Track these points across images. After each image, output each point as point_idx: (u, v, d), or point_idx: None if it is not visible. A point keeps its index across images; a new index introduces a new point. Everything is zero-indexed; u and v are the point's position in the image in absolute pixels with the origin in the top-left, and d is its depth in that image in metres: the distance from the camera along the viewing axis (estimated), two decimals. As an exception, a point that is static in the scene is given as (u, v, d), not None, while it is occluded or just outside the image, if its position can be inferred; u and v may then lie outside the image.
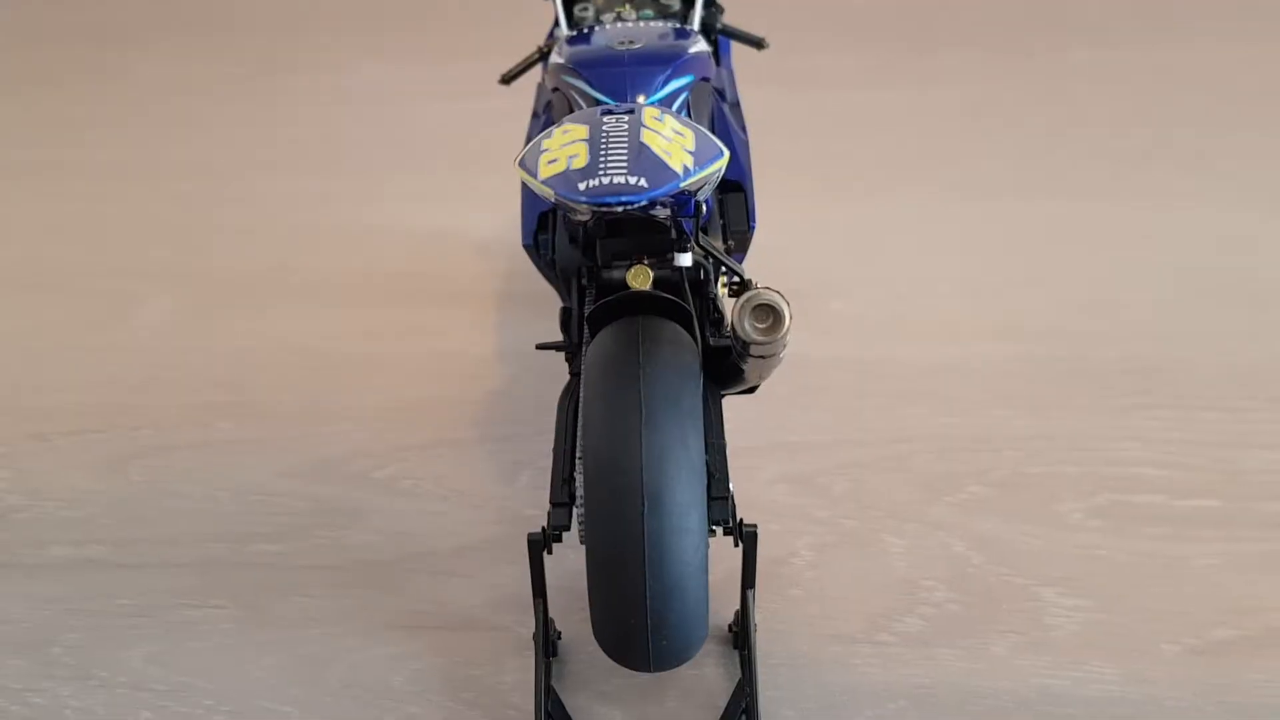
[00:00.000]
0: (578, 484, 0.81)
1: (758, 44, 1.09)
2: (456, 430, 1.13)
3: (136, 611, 0.95)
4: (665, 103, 0.89)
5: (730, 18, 1.09)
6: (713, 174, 0.74)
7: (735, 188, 0.98)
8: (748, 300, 0.72)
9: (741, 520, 0.81)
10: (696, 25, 1.04)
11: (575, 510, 0.81)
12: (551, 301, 1.05)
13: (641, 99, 0.88)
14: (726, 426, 0.82)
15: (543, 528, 0.81)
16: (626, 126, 0.72)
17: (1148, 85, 1.75)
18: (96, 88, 1.94)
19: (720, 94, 1.07)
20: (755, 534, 0.81)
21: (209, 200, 1.59)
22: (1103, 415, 1.11)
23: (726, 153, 0.75)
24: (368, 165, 1.66)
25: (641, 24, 0.98)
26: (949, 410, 1.13)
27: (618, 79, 0.89)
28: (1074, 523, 0.99)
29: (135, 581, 0.98)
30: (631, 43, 0.91)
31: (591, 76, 0.90)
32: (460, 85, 1.88)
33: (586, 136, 0.72)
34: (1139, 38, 1.89)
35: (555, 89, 0.98)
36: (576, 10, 1.06)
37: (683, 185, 0.69)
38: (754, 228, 0.98)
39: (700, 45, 0.96)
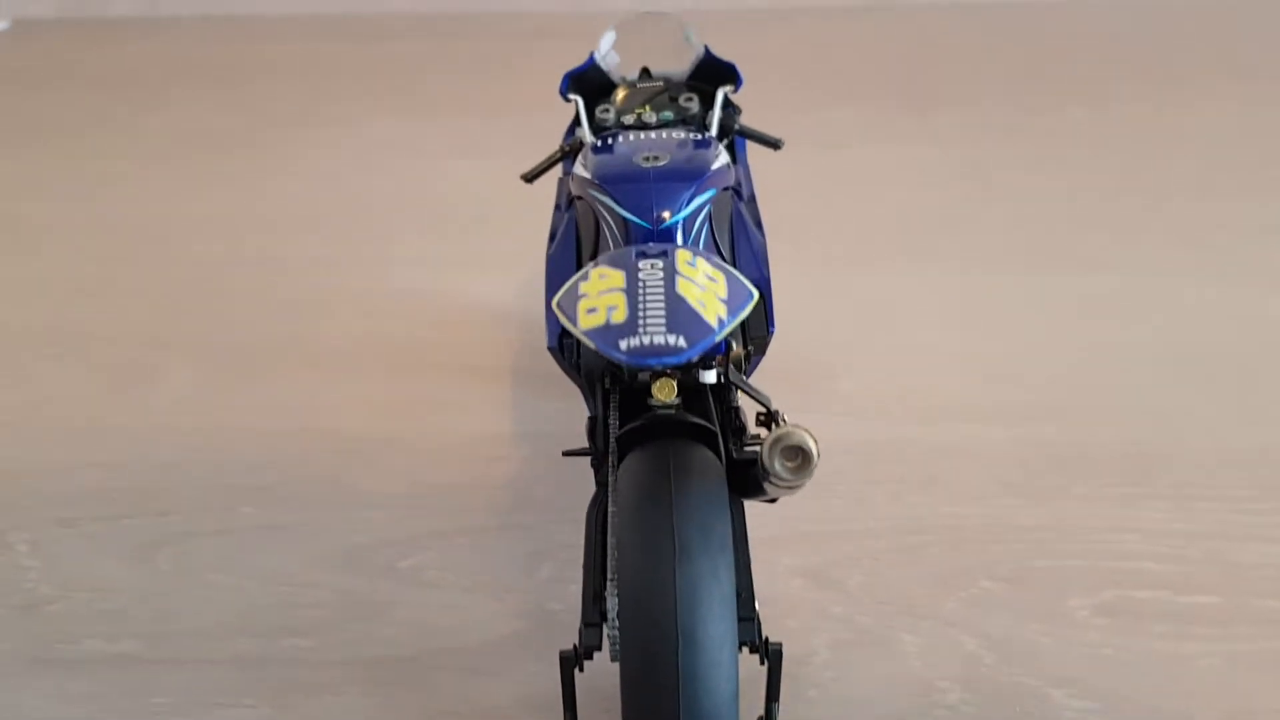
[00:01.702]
0: (608, 603, 0.84)
1: (774, 145, 1.12)
2: (477, 517, 1.16)
3: (171, 710, 0.97)
4: (690, 218, 0.92)
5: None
6: (744, 317, 0.77)
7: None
8: (777, 440, 0.75)
9: (767, 639, 0.84)
10: (715, 128, 1.07)
11: (606, 629, 0.84)
12: (565, 379, 1.07)
13: (667, 215, 0.91)
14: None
15: (574, 645, 0.84)
16: (661, 276, 0.75)
17: (1145, 147, 1.79)
18: (109, 140, 1.97)
19: (737, 192, 1.10)
20: (780, 651, 0.84)
21: (223, 261, 1.62)
22: (1103, 505, 1.15)
23: (756, 294, 0.78)
24: (379, 225, 1.70)
25: (663, 134, 1.01)
26: (956, 498, 1.16)
27: (643, 195, 0.92)
28: (1081, 620, 1.03)
29: (169, 679, 1.00)
30: (656, 158, 0.94)
31: (617, 193, 0.93)
32: (470, 140, 1.92)
33: (623, 286, 0.75)
34: (1136, 96, 1.93)
35: (579, 197, 1.01)
36: (598, 112, 1.09)
37: (718, 339, 0.72)
38: (773, 332, 1.01)
39: (722, 158, 0.99)
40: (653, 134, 1.01)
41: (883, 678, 0.98)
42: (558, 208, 1.13)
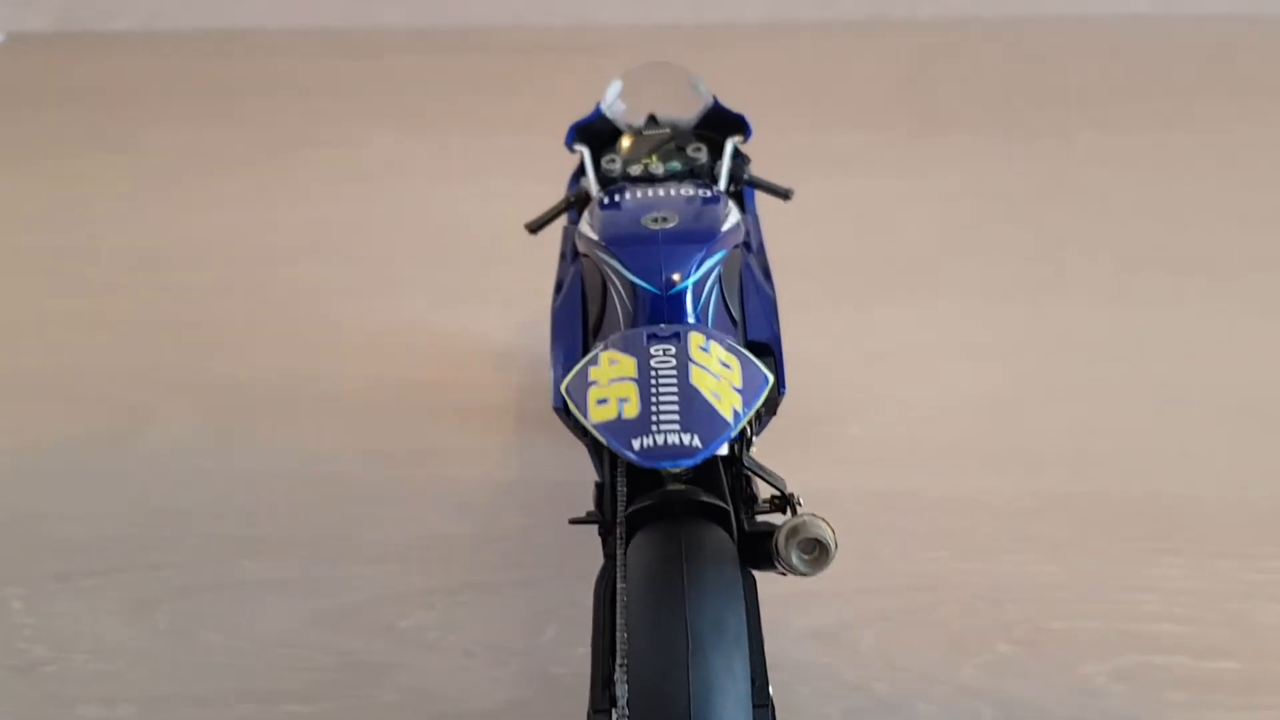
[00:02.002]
0: (617, 689, 0.81)
1: (784, 195, 1.10)
2: (479, 573, 1.14)
3: (170, 784, 0.95)
4: (700, 282, 0.90)
5: (729, 98, 1.10)
6: (760, 405, 0.75)
7: (764, 349, 0.99)
8: (794, 531, 0.72)
9: None
10: (724, 180, 1.05)
11: (616, 715, 0.81)
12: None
13: (677, 278, 0.89)
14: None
15: None
16: (674, 364, 0.73)
17: (1157, 170, 1.76)
18: (101, 160, 1.94)
19: (746, 244, 1.08)
20: None
21: (217, 292, 1.59)
22: (1119, 562, 1.13)
23: (771, 378, 0.75)
24: (378, 251, 1.67)
25: (671, 190, 0.98)
26: (968, 554, 1.14)
27: (652, 259, 0.89)
28: (1098, 687, 1.01)
29: (168, 747, 0.98)
30: (665, 220, 0.92)
31: (625, 257, 0.90)
32: (471, 160, 1.89)
33: (635, 375, 0.72)
34: (1146, 120, 1.90)
35: (585, 255, 0.98)
36: (604, 163, 1.06)
37: (734, 433, 0.70)
38: (784, 393, 0.99)
39: (732, 216, 0.96)
40: (660, 190, 0.98)
41: (898, 750, 0.96)
42: (563, 257, 1.10)
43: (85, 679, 1.05)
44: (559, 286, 1.07)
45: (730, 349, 0.76)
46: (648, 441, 0.68)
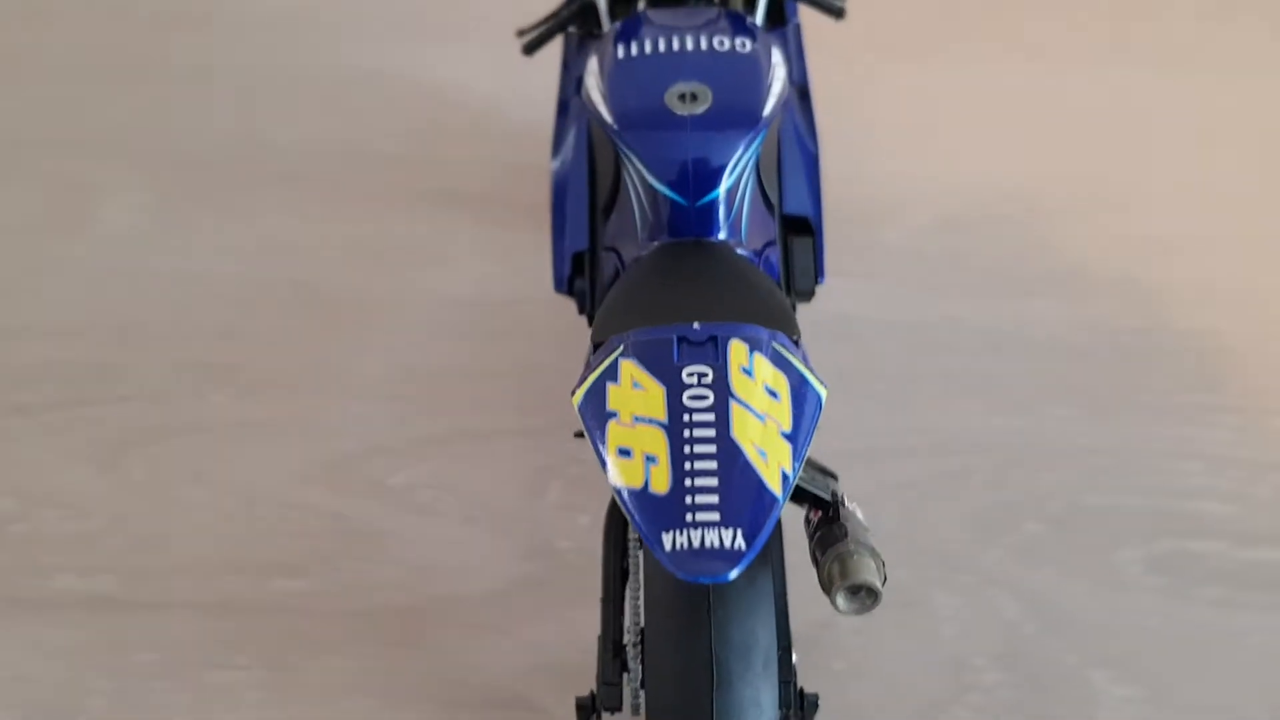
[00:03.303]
0: (629, 653, 0.75)
1: (837, 12, 0.90)
2: (475, 417, 1.05)
3: (160, 671, 0.91)
4: (735, 183, 0.75)
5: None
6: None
7: (803, 226, 0.85)
8: (842, 572, 0.63)
9: (802, 691, 0.76)
10: (763, 5, 0.86)
11: (628, 681, 0.75)
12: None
13: (708, 184, 0.74)
14: None
15: (591, 692, 0.76)
16: (711, 404, 0.60)
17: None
18: None
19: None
20: (816, 703, 0.76)
21: (163, 25, 1.39)
22: (1169, 420, 1.04)
23: (824, 393, 0.63)
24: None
25: (700, 38, 0.78)
26: (1007, 405, 1.05)
27: (678, 154, 0.74)
28: (1131, 579, 0.95)
29: (153, 628, 0.93)
30: (694, 96, 0.74)
31: (644, 151, 0.74)
32: None
33: (664, 419, 0.59)
34: None
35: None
36: None
37: (781, 507, 0.59)
38: (823, 281, 0.86)
39: (779, 76, 0.78)
40: (687, 35, 0.79)
41: (915, 652, 0.92)
42: (565, 66, 0.92)
43: (59, 542, 0.98)
44: (557, 140, 0.90)
45: (778, 362, 0.62)
46: (682, 540, 0.56)
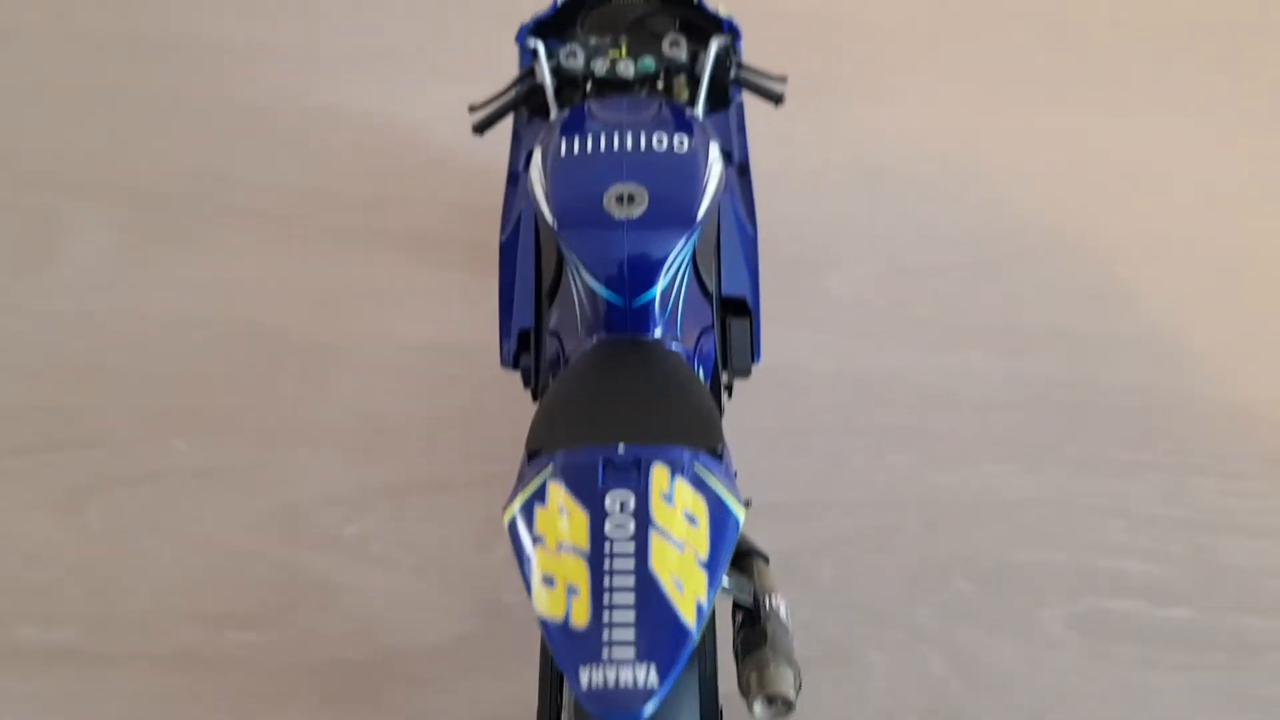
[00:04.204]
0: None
1: (776, 99, 0.93)
2: (427, 465, 1.08)
3: (119, 724, 0.95)
4: (671, 281, 0.77)
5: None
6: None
7: (740, 307, 0.88)
8: (759, 684, 0.67)
9: None
10: (704, 87, 0.88)
11: None
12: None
13: (644, 285, 0.76)
14: None
15: None
16: (631, 535, 0.63)
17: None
18: None
19: (727, 155, 0.93)
20: None
21: (130, 55, 1.40)
22: (1097, 474, 1.08)
23: (741, 517, 0.66)
24: (307, 4, 1.45)
25: (641, 135, 0.80)
26: (938, 461, 1.09)
27: (614, 257, 0.76)
28: (1054, 637, 1.00)
29: (113, 682, 0.96)
30: (632, 200, 0.77)
31: (584, 252, 0.76)
32: None
33: (587, 549, 0.62)
34: None
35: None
36: (563, 58, 0.88)
37: (695, 641, 0.62)
38: (759, 361, 0.89)
39: (715, 170, 0.81)
40: (628, 133, 0.81)
41: (847, 707, 0.96)
42: (512, 179, 0.95)
43: (19, 592, 1.01)
44: (506, 213, 0.92)
45: (698, 486, 0.65)
46: (598, 679, 0.59)
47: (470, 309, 1.19)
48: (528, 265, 0.87)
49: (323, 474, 1.08)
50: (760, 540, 1.03)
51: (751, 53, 1.34)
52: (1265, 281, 1.22)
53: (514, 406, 1.10)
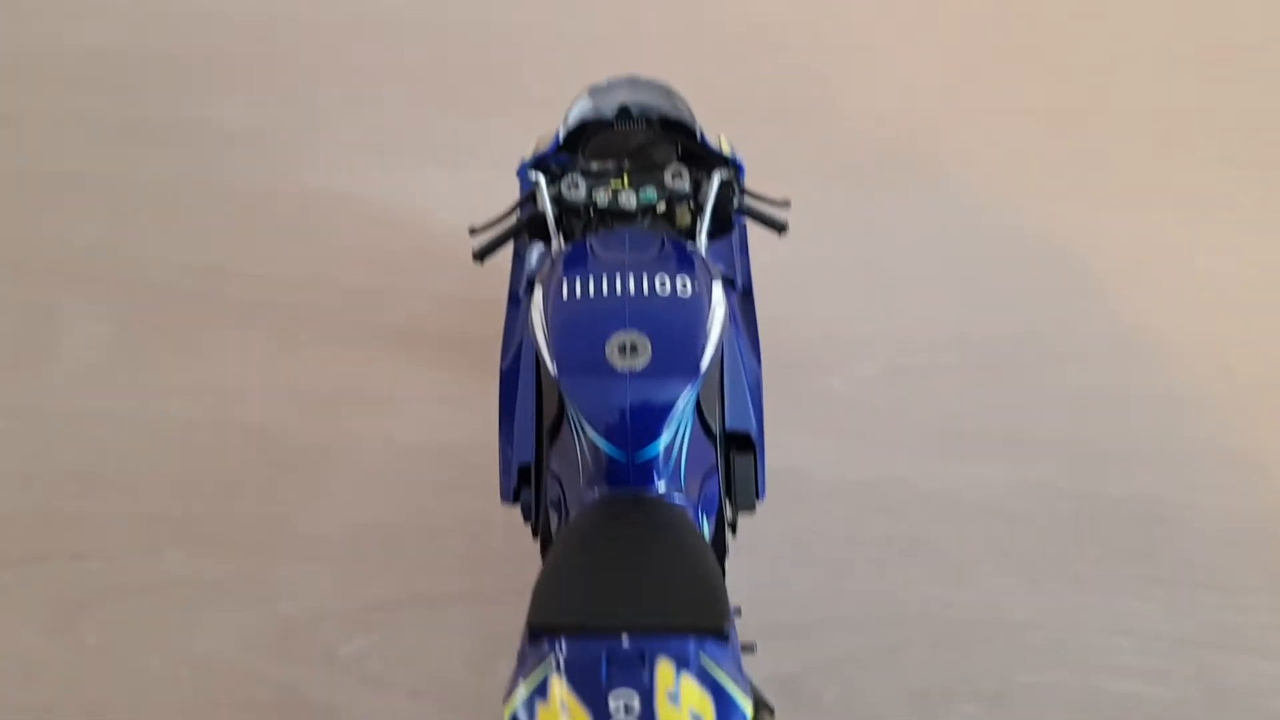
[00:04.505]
0: None
1: (779, 228, 0.92)
2: (425, 578, 1.07)
3: None
4: (675, 437, 0.77)
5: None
6: None
7: (744, 441, 0.87)
8: None
9: None
10: (706, 219, 0.87)
11: None
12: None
13: (647, 440, 0.76)
14: None
15: None
16: None
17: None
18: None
19: (729, 282, 0.92)
20: None
21: (128, 140, 1.39)
22: (1102, 590, 1.07)
23: (749, 707, 0.65)
24: (305, 91, 1.44)
25: (644, 277, 0.79)
26: (944, 575, 1.08)
27: (617, 409, 0.75)
28: (1057, 764, 0.99)
29: (106, 808, 0.95)
30: (634, 351, 0.76)
31: (585, 404, 0.75)
32: None
33: None
34: None
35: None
36: (565, 189, 0.88)
37: None
38: (764, 499, 0.88)
39: (719, 311, 0.80)
40: (630, 275, 0.79)
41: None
42: (513, 300, 0.94)
43: (10, 712, 1.00)
44: (508, 338, 0.91)
45: (704, 679, 0.64)
46: None
47: (466, 408, 1.18)
48: (528, 398, 0.86)
49: (320, 587, 1.06)
50: (763, 663, 1.03)
51: (748, 144, 1.34)
52: (1273, 387, 1.21)
53: (513, 514, 1.09)
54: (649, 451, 0.75)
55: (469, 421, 1.17)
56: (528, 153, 0.93)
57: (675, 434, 0.76)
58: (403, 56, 1.46)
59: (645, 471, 0.76)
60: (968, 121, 1.42)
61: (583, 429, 0.76)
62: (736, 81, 1.44)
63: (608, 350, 0.76)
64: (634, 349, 0.76)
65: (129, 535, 1.09)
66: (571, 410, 0.76)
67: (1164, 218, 1.35)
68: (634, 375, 0.75)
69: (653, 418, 0.75)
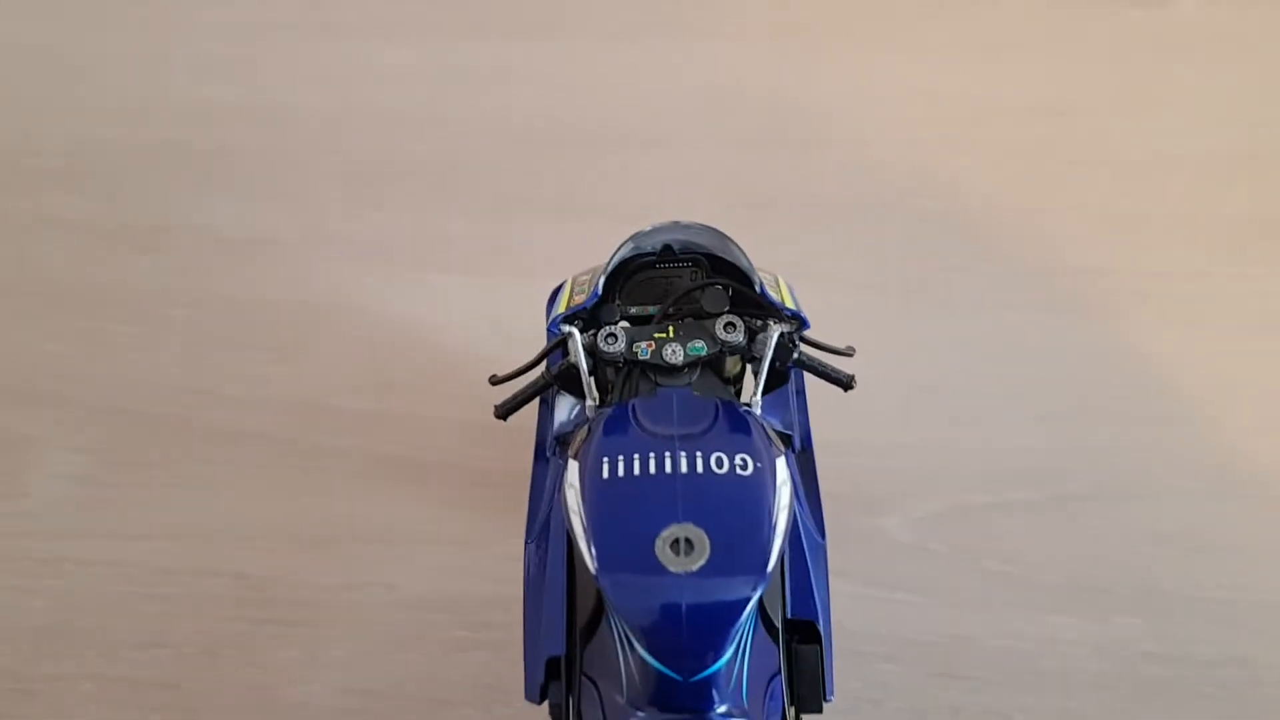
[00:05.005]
0: None
1: (844, 385, 0.80)
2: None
3: None
4: (737, 652, 0.65)
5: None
6: None
7: (808, 630, 0.75)
8: None
9: None
10: (763, 376, 0.76)
11: None
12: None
13: (707, 659, 0.64)
14: None
15: None
16: None
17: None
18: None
19: (786, 439, 0.81)
20: None
21: (114, 241, 1.28)
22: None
23: None
24: (309, 191, 1.33)
25: (694, 453, 0.68)
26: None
27: (669, 623, 0.63)
28: None
29: None
30: (689, 547, 0.64)
31: (630, 612, 0.63)
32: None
33: None
34: None
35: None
36: (602, 342, 0.76)
37: None
38: (831, 699, 0.75)
39: (786, 490, 0.68)
40: (680, 453, 0.68)
41: None
42: (539, 453, 0.82)
43: None
44: (533, 508, 0.79)
45: None
46: None
47: (480, 553, 1.05)
48: (558, 583, 0.74)
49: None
50: None
51: (788, 247, 1.23)
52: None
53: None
54: (709, 670, 0.63)
55: (484, 568, 1.04)
56: (561, 303, 0.82)
57: (738, 646, 0.64)
58: (414, 152, 1.36)
59: (703, 693, 0.63)
60: (1029, 225, 1.31)
61: (628, 639, 0.64)
62: (775, 177, 1.34)
63: (658, 548, 0.64)
64: (689, 545, 0.64)
65: (99, 708, 0.97)
66: (613, 616, 0.64)
67: (1258, 338, 1.22)
68: (690, 577, 0.63)
69: (714, 630, 0.63)
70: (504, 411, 0.81)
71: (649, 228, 0.81)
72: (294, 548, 1.06)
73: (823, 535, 0.78)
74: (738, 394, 0.83)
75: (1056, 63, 1.46)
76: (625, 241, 0.81)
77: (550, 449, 0.81)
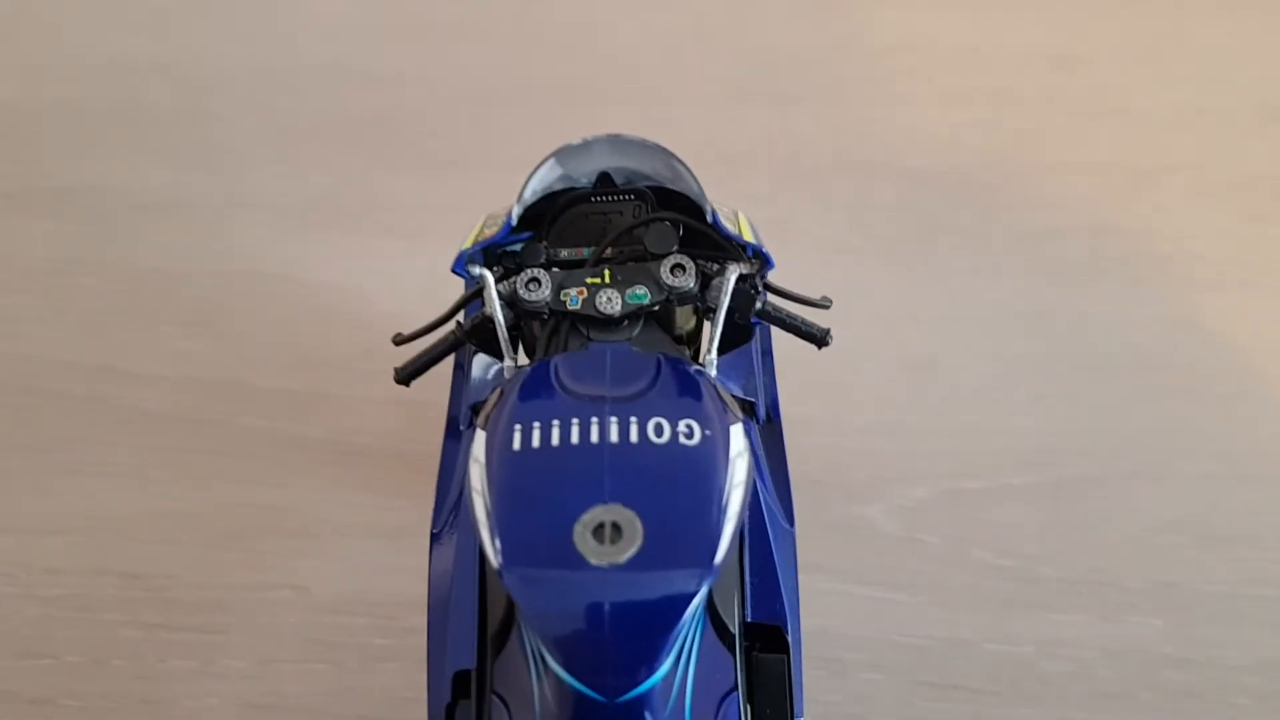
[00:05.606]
0: None
1: (819, 340, 0.68)
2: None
3: None
4: (675, 664, 0.52)
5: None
6: None
7: (772, 636, 0.62)
8: None
9: None
10: (719, 325, 0.64)
11: None
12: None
13: (637, 675, 0.51)
14: None
15: None
16: None
17: None
18: None
19: (750, 409, 0.68)
20: None
21: (21, 203, 1.16)
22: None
23: None
24: (234, 151, 1.21)
25: (630, 419, 0.55)
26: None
27: (591, 633, 0.50)
28: None
29: None
30: (616, 534, 0.51)
31: (541, 619, 0.51)
32: None
33: None
34: None
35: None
36: (521, 286, 0.64)
37: None
38: (801, 718, 0.63)
39: (742, 464, 0.55)
40: (610, 417, 0.55)
41: None
42: (451, 427, 0.70)
43: None
44: (442, 491, 0.67)
45: None
46: None
47: (406, 548, 0.92)
48: (469, 583, 0.61)
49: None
50: None
51: (766, 207, 1.10)
52: None
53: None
54: (639, 688, 0.50)
55: (411, 565, 0.91)
56: (469, 237, 0.69)
57: (678, 657, 0.52)
58: (348, 109, 1.24)
59: (632, 717, 0.51)
60: (1032, 183, 1.19)
61: (538, 652, 0.51)
62: (751, 133, 1.21)
63: (576, 534, 0.51)
64: (616, 532, 0.51)
65: None
66: (522, 621, 0.52)
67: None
68: (617, 572, 0.50)
69: (645, 637, 0.50)
70: (405, 375, 0.68)
71: (579, 140, 0.68)
72: (198, 542, 0.93)
73: (791, 522, 0.66)
74: (694, 357, 0.70)
75: (1061, 7, 1.34)
76: (547, 158, 0.68)
77: (465, 420, 0.69)
